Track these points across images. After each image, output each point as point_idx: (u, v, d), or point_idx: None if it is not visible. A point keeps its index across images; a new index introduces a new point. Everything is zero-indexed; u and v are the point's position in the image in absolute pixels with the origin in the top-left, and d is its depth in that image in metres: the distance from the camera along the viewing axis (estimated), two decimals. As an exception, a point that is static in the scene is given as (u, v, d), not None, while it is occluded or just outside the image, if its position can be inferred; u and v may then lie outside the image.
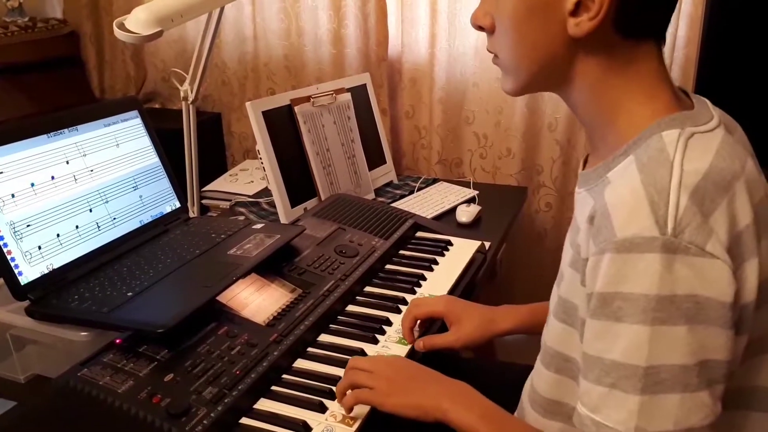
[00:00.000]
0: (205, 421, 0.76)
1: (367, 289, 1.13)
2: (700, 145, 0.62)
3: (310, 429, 0.79)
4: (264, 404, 0.83)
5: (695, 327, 0.57)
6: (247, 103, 1.41)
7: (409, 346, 0.96)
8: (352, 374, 0.83)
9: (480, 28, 0.74)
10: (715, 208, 0.58)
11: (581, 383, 0.64)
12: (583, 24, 0.65)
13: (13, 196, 0.97)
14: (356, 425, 0.80)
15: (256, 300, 1.01)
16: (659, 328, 0.57)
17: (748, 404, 0.66)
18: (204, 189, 1.70)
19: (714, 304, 0.57)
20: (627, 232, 0.58)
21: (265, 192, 1.65)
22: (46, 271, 0.99)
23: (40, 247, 0.99)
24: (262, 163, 1.44)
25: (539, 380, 0.76)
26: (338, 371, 0.89)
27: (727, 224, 0.58)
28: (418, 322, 0.99)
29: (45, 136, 1.04)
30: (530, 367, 0.86)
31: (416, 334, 0.98)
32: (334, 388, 0.85)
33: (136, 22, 1.20)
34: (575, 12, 0.65)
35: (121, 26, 1.21)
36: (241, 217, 1.54)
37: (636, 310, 0.57)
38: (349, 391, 0.81)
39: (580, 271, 0.66)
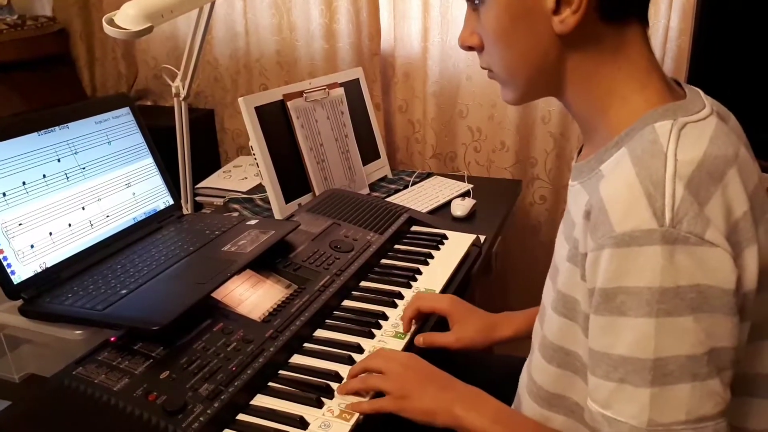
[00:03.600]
0: (201, 418, 0.76)
1: (363, 283, 1.13)
2: (694, 134, 0.62)
3: (307, 424, 0.79)
4: (260, 400, 0.83)
5: (701, 316, 0.57)
6: (240, 99, 1.40)
7: (405, 340, 0.96)
8: (365, 378, 0.83)
9: (470, 48, 0.74)
10: (710, 197, 0.58)
11: (590, 379, 0.63)
12: (568, 19, 0.65)
13: (4, 195, 0.97)
14: (353, 420, 0.79)
15: (252, 296, 1.01)
16: (665, 319, 0.57)
17: (750, 390, 0.66)
18: (197, 186, 1.69)
19: (717, 292, 0.57)
20: (625, 226, 0.58)
21: (259, 188, 1.65)
22: (39, 270, 0.98)
23: (32, 246, 0.98)
24: (255, 159, 1.44)
25: (540, 374, 0.76)
26: (335, 366, 0.89)
27: (724, 213, 0.58)
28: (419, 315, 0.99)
29: (35, 134, 1.03)
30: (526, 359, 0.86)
31: (414, 326, 0.98)
32: (330, 383, 0.85)
33: (126, 18, 1.19)
34: (557, 10, 0.65)
35: (111, 22, 1.20)
36: (235, 214, 1.54)
37: (640, 303, 0.57)
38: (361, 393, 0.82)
39: (579, 266, 0.66)
